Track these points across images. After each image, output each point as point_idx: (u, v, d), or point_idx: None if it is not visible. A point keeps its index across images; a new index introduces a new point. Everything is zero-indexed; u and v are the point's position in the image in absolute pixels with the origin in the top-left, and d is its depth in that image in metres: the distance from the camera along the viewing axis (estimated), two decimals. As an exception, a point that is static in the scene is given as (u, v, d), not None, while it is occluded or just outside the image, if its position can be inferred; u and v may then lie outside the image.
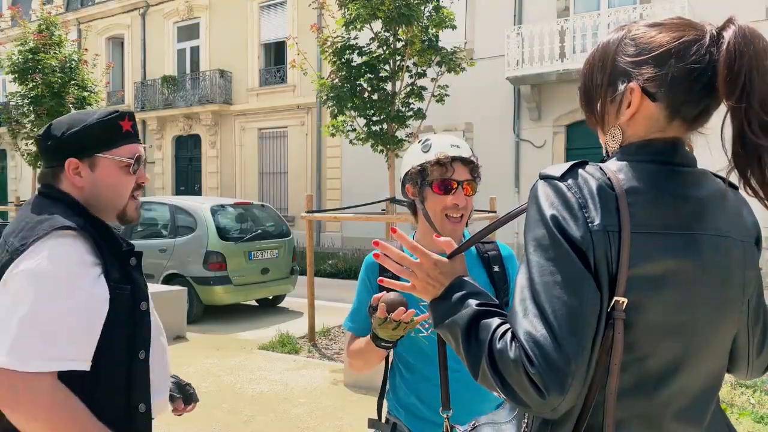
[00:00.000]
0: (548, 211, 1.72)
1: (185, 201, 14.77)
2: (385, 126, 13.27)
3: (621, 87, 1.87)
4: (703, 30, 1.79)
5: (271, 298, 15.72)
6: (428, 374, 3.05)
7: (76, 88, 20.25)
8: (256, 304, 15.95)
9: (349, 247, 27.59)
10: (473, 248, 3.13)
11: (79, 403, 2.36)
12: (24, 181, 39.86)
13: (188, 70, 34.80)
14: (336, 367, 10.13)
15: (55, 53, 20.30)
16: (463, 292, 1.91)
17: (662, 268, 1.69)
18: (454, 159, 2.99)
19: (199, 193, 33.99)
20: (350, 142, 13.89)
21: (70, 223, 2.41)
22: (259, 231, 14.78)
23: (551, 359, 1.59)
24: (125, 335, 2.50)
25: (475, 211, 13.96)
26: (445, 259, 2.04)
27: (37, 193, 2.66)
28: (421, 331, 3.06)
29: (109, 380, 2.46)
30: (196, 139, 34.30)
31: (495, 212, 10.94)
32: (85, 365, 2.37)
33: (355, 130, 13.66)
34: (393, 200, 12.69)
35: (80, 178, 2.60)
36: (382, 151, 13.43)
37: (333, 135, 13.69)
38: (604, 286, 1.67)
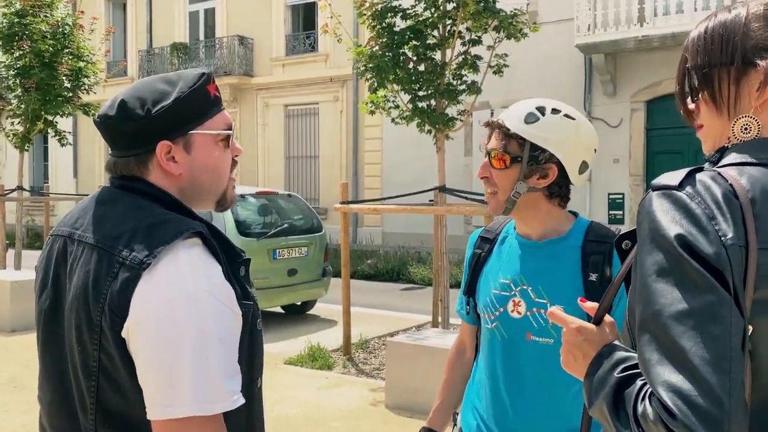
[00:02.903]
0: (670, 229, 1.66)
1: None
2: (433, 102, 13.21)
3: (762, 63, 1.84)
4: None
5: (299, 304, 15.77)
6: (487, 373, 3.29)
7: (71, 57, 20.25)
8: (282, 311, 16.01)
9: (391, 244, 27.60)
10: (578, 243, 3.17)
11: None
12: (8, 167, 40.05)
13: (202, 37, 35.03)
14: (376, 384, 10.13)
15: (45, 17, 20.26)
16: (613, 362, 1.84)
17: None
18: (488, 125, 3.23)
19: (215, 181, 33.98)
20: (392, 120, 13.85)
21: (196, 225, 2.29)
22: (286, 225, 14.84)
23: (699, 409, 1.51)
24: (245, 361, 2.38)
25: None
26: (591, 325, 2.00)
27: (111, 186, 2.50)
28: (487, 321, 3.29)
29: (235, 417, 2.31)
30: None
31: (563, 203, 10.87)
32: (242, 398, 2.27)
33: (398, 106, 13.61)
34: (443, 189, 12.68)
35: (175, 165, 2.43)
36: (429, 131, 13.37)
37: (372, 113, 13.65)
38: (745, 310, 1.62)
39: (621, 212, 23.75)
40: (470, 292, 3.42)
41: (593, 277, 3.06)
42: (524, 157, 3.07)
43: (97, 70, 20.83)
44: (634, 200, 23.62)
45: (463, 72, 13.53)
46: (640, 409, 1.62)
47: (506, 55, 13.97)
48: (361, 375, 10.76)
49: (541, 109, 3.10)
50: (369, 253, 25.17)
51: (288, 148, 32.41)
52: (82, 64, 20.40)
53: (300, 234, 14.99)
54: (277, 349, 12.36)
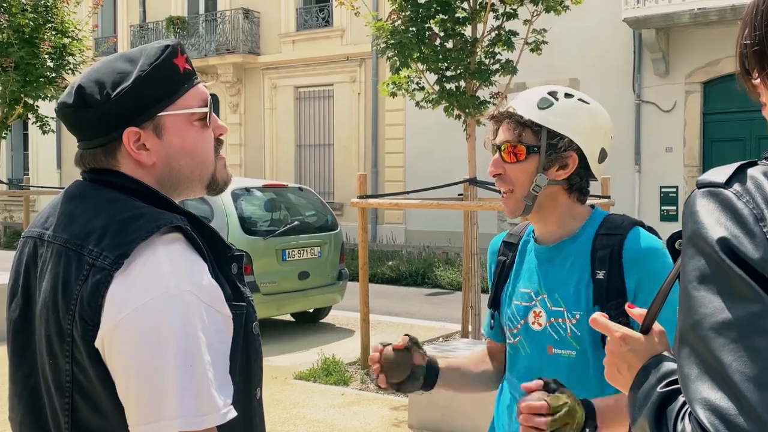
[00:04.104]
0: (713, 232, 1.64)
1: (199, 183, 14.82)
2: (462, 83, 13.20)
3: None
4: None
5: (311, 311, 15.81)
6: (514, 392, 3.29)
7: (54, 33, 20.23)
8: (292, 319, 16.04)
9: (415, 243, 27.58)
10: (590, 239, 3.20)
11: None
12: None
13: (202, 10, 35.12)
14: (397, 402, 10.14)
15: (24, -13, 20.39)
16: (659, 375, 1.84)
17: None
18: (494, 118, 3.24)
19: (216, 172, 34.04)
20: (416, 104, 13.85)
21: (176, 218, 2.27)
22: (296, 222, 14.85)
23: (738, 429, 1.50)
24: (240, 370, 2.37)
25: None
26: (638, 334, 2.00)
27: (82, 180, 2.48)
28: (511, 335, 3.32)
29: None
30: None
31: (608, 197, 10.84)
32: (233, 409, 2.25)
33: (423, 88, 13.61)
34: (473, 182, 12.66)
35: (147, 153, 2.40)
36: (458, 116, 13.36)
37: (394, 95, 13.66)
38: None
39: (674, 208, 23.64)
40: (495, 305, 3.45)
41: (600, 274, 3.08)
42: (542, 146, 3.10)
43: (83, 47, 20.79)
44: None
45: (497, 49, 13.51)
46: (679, 427, 1.62)
47: (545, 30, 13.94)
48: (381, 391, 10.75)
49: (554, 94, 3.14)
50: (390, 254, 25.19)
51: (299, 136, 32.46)
52: (66, 40, 20.36)
53: (312, 232, 15.01)
54: (286, 361, 12.39)
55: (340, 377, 11.29)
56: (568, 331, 3.09)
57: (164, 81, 2.42)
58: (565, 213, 3.19)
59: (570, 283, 3.12)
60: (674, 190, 23.76)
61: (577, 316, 3.06)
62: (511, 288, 3.34)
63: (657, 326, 2.01)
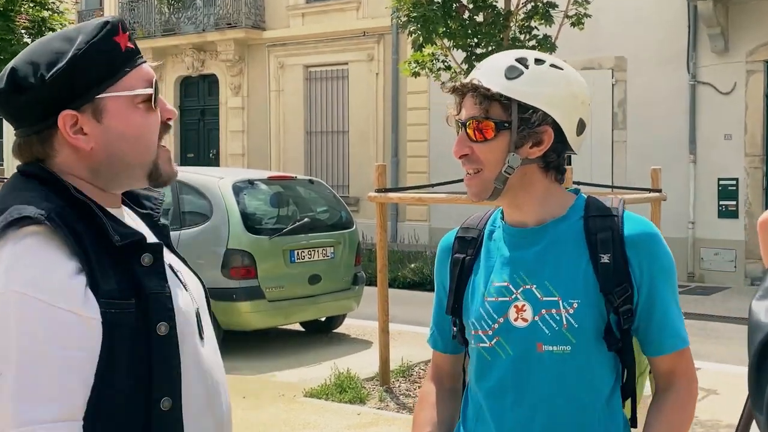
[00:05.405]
0: None
1: (195, 174, 14.92)
2: (494, 62, 13.21)
3: None
4: None
5: (323, 320, 15.82)
6: (488, 407, 3.21)
7: (31, 5, 20.28)
8: (302, 329, 16.08)
9: (440, 243, 27.59)
10: (579, 222, 3.19)
11: None
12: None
13: (201, -19, 35.13)
14: (420, 423, 10.11)
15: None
16: None
17: None
18: (455, 90, 3.20)
19: (216, 162, 34.45)
20: (442, 85, 13.85)
21: (33, 211, 2.32)
22: (306, 219, 14.86)
23: None
24: (135, 376, 2.41)
25: (630, 189, 13.82)
26: None
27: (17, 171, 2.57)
28: (482, 338, 3.20)
29: None
30: (211, 82, 34.85)
31: (660, 191, 10.80)
32: (75, 427, 2.29)
33: (449, 67, 13.62)
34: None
35: (85, 137, 2.48)
36: (489, 99, 13.37)
37: (416, 75, 13.67)
38: None
39: (734, 203, 23.46)
40: (456, 311, 3.35)
41: (605, 258, 3.07)
42: (513, 121, 3.05)
43: (64, 21, 20.84)
44: (752, 187, 23.36)
45: (533, 23, 13.51)
46: None
47: (587, 2, 13.93)
48: (402, 410, 10.78)
49: (522, 61, 3.10)
50: (412, 255, 25.19)
51: (309, 121, 32.54)
52: (45, 13, 20.39)
53: (324, 230, 15.04)
54: (294, 377, 12.42)
55: (355, 395, 11.29)
56: (564, 323, 3.03)
57: (103, 60, 2.48)
58: (542, 194, 3.16)
59: (563, 268, 3.09)
60: (734, 182, 23.59)
61: (575, 305, 3.02)
62: (480, 285, 3.24)
63: None
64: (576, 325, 3.01)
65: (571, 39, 15.83)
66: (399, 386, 11.83)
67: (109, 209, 2.55)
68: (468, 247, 3.34)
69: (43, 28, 20.00)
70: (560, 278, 3.07)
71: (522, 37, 13.38)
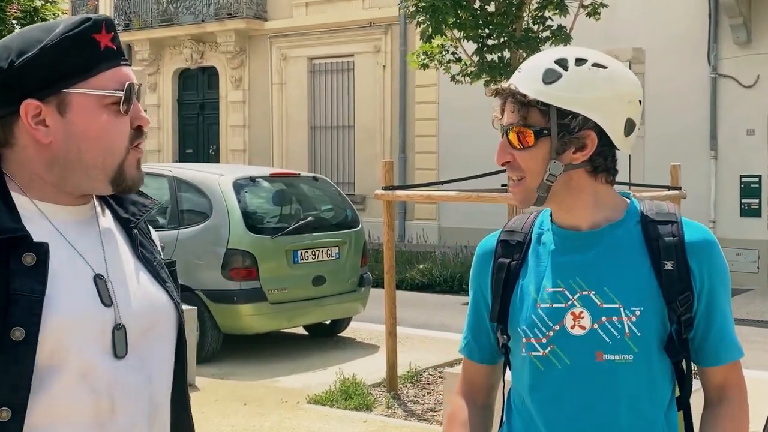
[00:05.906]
0: None
1: (194, 171, 14.97)
2: (506, 53, 13.20)
3: None
4: None
5: (328, 323, 15.83)
6: (542, 419, 3.15)
7: (23, -6, 20.33)
8: (305, 332, 16.08)
9: (451, 243, 27.49)
10: (636, 226, 3.16)
11: None
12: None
13: (199, -31, 35.16)
14: (430, 430, 10.15)
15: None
16: None
17: None
18: (499, 93, 3.12)
19: (216, 159, 34.45)
20: (452, 78, 13.86)
21: None
22: (310, 218, 14.90)
23: None
24: None
25: (648, 186, 13.81)
26: None
27: None
28: (534, 347, 3.15)
29: None
30: (210, 75, 34.89)
31: (679, 188, 10.79)
32: None
33: (459, 59, 13.63)
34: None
35: (45, 129, 2.50)
36: (501, 93, 13.36)
37: (425, 67, 13.68)
38: None
39: (757, 201, 23.46)
40: (501, 318, 3.29)
41: (669, 265, 3.05)
42: (552, 127, 3.02)
43: (58, 10, 20.83)
44: (776, 185, 23.37)
45: (547, 13, 13.52)
46: None
47: (604, -9, 13.93)
48: (410, 418, 10.79)
49: (562, 62, 3.06)
50: (421, 255, 25.19)
51: (313, 116, 32.59)
52: (38, 2, 20.39)
53: (329, 230, 15.06)
54: (298, 383, 12.43)
55: (361, 401, 11.29)
56: (626, 331, 3.00)
57: (77, 55, 2.52)
58: (592, 198, 3.13)
59: (625, 274, 3.06)
60: (757, 180, 23.57)
61: (637, 313, 2.99)
62: (530, 291, 3.19)
63: None
64: (639, 334, 2.98)
65: (586, 30, 15.83)
66: (407, 392, 11.84)
67: (53, 204, 2.58)
68: (514, 251, 3.29)
69: (35, 18, 19.93)
70: (621, 285, 3.04)
71: (535, 27, 13.40)
